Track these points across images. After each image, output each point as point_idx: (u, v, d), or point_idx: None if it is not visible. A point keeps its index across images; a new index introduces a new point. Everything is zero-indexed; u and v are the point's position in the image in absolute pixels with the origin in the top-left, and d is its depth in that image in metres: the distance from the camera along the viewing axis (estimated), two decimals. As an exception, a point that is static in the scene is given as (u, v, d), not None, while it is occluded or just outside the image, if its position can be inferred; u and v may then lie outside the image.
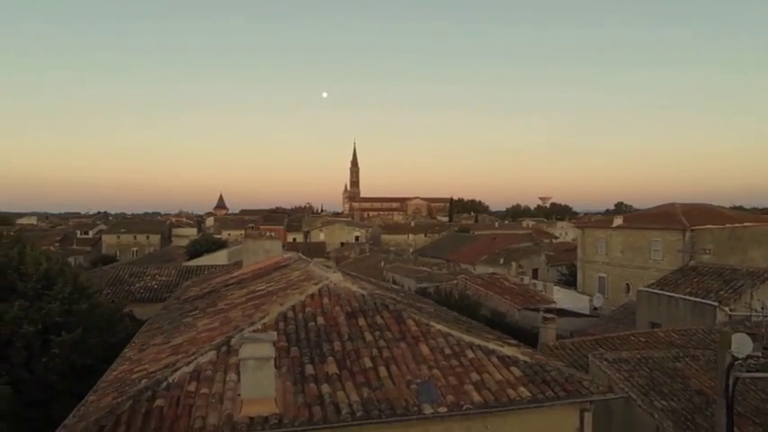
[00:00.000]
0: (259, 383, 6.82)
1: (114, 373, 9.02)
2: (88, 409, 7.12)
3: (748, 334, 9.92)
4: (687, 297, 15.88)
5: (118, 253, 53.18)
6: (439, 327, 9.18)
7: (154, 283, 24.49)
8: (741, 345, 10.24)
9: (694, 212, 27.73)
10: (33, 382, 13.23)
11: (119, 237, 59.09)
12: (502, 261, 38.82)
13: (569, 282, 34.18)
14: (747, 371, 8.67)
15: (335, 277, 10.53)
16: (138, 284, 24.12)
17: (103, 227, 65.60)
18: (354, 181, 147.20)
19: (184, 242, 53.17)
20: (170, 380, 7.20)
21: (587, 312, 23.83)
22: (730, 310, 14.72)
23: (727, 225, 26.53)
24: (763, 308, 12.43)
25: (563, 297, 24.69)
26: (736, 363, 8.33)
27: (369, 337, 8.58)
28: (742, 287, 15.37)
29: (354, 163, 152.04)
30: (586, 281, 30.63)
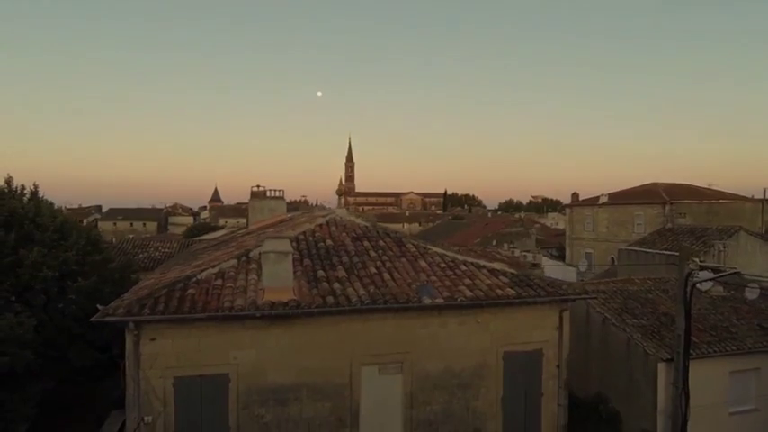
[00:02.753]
0: (279, 274, 7.82)
1: (143, 283, 9.91)
2: (130, 296, 8.02)
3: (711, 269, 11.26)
4: (662, 252, 17.17)
5: (114, 240, 53.28)
6: (435, 249, 10.25)
7: (157, 253, 25.16)
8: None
9: (674, 190, 29.32)
10: (51, 324, 13.97)
11: (115, 224, 59.27)
12: (494, 243, 40.07)
13: (559, 262, 35.48)
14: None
15: (341, 212, 11.54)
16: (141, 255, 24.81)
17: (98, 216, 65.65)
18: (350, 176, 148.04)
19: (181, 230, 53.54)
20: (198, 277, 8.15)
21: (574, 281, 25.12)
22: (700, 261, 16.01)
23: (705, 201, 28.12)
24: (725, 246, 13.75)
25: (552, 267, 25.92)
26: (692, 272, 9.50)
27: (373, 254, 9.61)
28: (711, 241, 16.73)
29: (349, 158, 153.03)
30: (574, 257, 31.96)
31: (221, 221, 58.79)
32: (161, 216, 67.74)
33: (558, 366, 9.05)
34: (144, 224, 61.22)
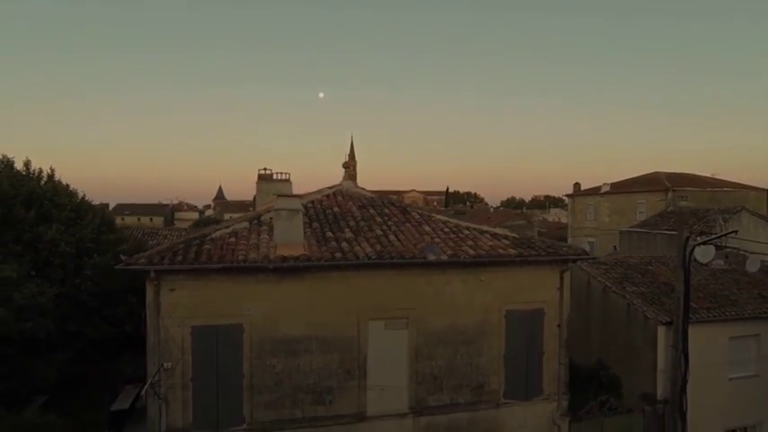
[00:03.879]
0: (290, 230, 8.20)
1: (162, 245, 10.29)
2: (151, 251, 8.42)
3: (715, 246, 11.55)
4: (664, 232, 17.38)
5: (122, 234, 53.87)
6: (439, 217, 10.59)
7: (166, 241, 25.69)
8: (704, 253, 11.84)
9: (677, 178, 29.43)
10: (69, 299, 14.47)
11: (122, 219, 60.18)
12: (497, 234, 40.16)
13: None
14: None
15: (347, 183, 11.90)
16: (151, 242, 25.36)
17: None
18: (352, 174, 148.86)
19: (187, 224, 54.20)
20: (213, 235, 8.55)
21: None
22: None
23: (708, 189, 28.22)
24: (725, 221, 13.93)
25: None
26: (690, 236, 9.77)
27: (378, 219, 9.96)
28: (713, 221, 16.91)
29: (352, 157, 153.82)
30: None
31: (226, 216, 59.38)
32: (167, 211, 68.62)
33: (558, 326, 9.33)
34: (151, 219, 62.10)
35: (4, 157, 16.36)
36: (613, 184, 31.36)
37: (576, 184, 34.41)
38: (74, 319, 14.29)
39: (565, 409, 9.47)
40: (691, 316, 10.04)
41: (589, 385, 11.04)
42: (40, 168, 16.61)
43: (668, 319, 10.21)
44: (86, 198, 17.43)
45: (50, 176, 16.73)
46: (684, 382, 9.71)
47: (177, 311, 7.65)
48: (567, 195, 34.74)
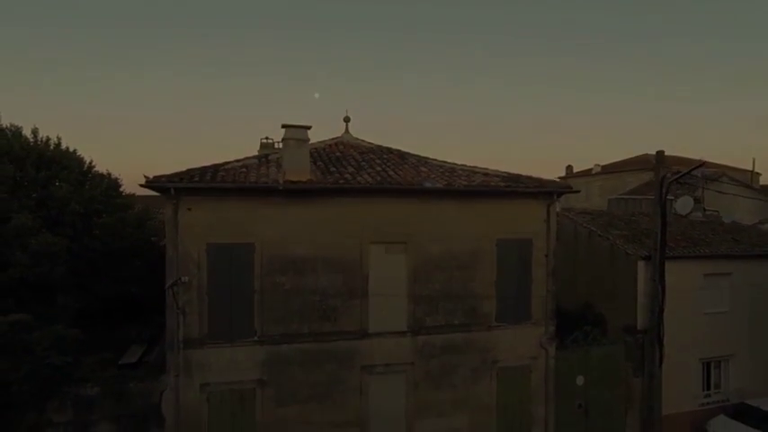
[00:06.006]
0: (298, 159, 8.87)
1: None
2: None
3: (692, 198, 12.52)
4: (649, 197, 18.26)
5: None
6: (435, 161, 11.31)
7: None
8: (684, 204, 12.71)
9: (666, 159, 30.53)
10: (78, 256, 15.00)
11: (120, 210, 60.64)
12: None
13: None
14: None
15: (347, 136, 12.58)
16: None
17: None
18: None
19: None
20: (225, 167, 9.19)
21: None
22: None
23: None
24: (701, 164, 14.85)
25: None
26: (667, 176, 10.59)
27: (378, 161, 10.65)
28: (696, 186, 17.83)
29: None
30: (569, 228, 33.06)
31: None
32: (165, 205, 69.04)
33: (546, 256, 10.07)
34: (149, 211, 62.65)
35: (11, 125, 16.93)
36: (604, 166, 32.37)
37: (569, 167, 35.40)
38: (83, 278, 14.82)
39: (552, 334, 10.20)
40: (668, 252, 10.83)
41: (576, 325, 11.80)
42: (47, 136, 17.18)
43: (647, 254, 10.99)
44: (93, 164, 18.02)
45: (57, 145, 17.28)
46: (661, 311, 10.48)
47: (194, 229, 8.29)
48: (560, 178, 35.63)
